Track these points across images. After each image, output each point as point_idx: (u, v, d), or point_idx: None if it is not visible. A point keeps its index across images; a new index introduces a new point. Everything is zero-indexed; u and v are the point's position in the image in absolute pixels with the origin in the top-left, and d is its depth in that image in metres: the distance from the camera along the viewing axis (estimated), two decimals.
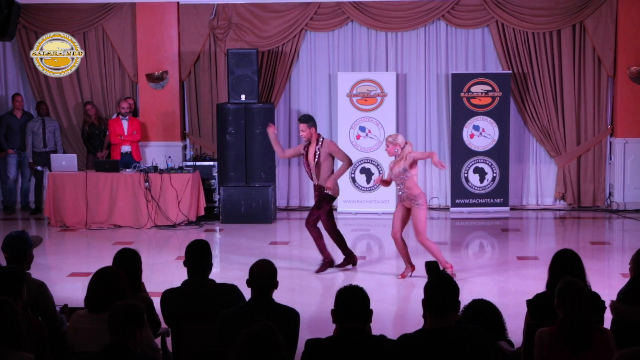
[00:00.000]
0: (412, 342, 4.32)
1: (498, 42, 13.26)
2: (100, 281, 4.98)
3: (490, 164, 13.25)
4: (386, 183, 9.16)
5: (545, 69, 13.22)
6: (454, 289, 4.41)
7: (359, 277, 9.20)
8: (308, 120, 9.45)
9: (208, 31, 13.53)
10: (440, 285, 4.41)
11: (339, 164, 9.34)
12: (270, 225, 12.49)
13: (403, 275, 9.21)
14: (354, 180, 13.18)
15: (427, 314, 4.40)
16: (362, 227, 12.49)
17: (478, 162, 13.26)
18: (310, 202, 13.69)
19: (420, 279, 9.33)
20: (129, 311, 4.28)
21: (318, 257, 9.74)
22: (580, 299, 4.54)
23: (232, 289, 5.59)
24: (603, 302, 5.42)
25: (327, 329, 4.83)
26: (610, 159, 13.43)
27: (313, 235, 9.51)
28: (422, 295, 8.65)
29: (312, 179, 9.51)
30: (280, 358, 3.72)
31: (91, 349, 4.58)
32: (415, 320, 7.76)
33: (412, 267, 9.23)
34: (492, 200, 13.30)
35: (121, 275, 5.06)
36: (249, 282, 5.09)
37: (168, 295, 5.62)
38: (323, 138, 9.47)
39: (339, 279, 9.30)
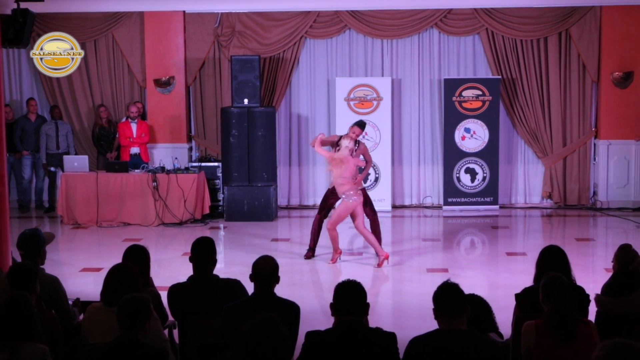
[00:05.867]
0: (423, 344, 4.20)
1: (488, 49, 13.26)
2: (115, 276, 4.99)
3: (480, 164, 13.25)
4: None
5: (532, 75, 13.23)
6: (456, 292, 4.25)
7: (356, 272, 9.19)
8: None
9: (213, 39, 13.52)
10: (442, 288, 4.29)
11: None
12: (272, 222, 12.48)
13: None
14: None
15: (437, 317, 4.27)
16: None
17: (469, 162, 13.26)
18: (310, 200, 13.71)
19: (414, 274, 9.34)
20: (135, 304, 4.28)
21: (318, 252, 9.80)
22: (564, 293, 4.54)
23: (235, 284, 5.59)
24: (588, 295, 5.42)
25: (326, 321, 4.83)
26: (595, 159, 13.43)
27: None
28: (416, 290, 8.69)
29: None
30: (283, 348, 3.69)
31: (105, 340, 4.58)
32: (409, 314, 7.78)
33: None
34: (482, 199, 13.30)
35: (136, 271, 5.07)
36: (252, 277, 5.09)
37: (175, 290, 5.62)
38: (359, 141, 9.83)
39: (337, 274, 9.30)
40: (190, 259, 5.65)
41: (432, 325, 4.28)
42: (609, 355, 3.25)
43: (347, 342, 4.26)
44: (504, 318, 5.65)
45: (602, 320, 5.48)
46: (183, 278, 5.73)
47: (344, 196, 9.34)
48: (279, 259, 5.37)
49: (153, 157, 13.36)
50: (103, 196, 12.26)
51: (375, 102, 13.22)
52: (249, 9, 13.40)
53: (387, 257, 9.49)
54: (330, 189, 9.84)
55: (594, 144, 13.43)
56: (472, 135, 13.22)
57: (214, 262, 5.66)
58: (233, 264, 9.60)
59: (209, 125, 13.77)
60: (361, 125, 9.71)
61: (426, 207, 13.64)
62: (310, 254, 9.92)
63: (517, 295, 5.47)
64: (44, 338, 4.55)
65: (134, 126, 13.10)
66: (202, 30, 13.54)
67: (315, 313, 7.44)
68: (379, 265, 9.45)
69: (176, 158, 12.86)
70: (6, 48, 8.69)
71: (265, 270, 5.06)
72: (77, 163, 12.52)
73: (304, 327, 4.79)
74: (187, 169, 12.58)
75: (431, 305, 4.26)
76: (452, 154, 13.27)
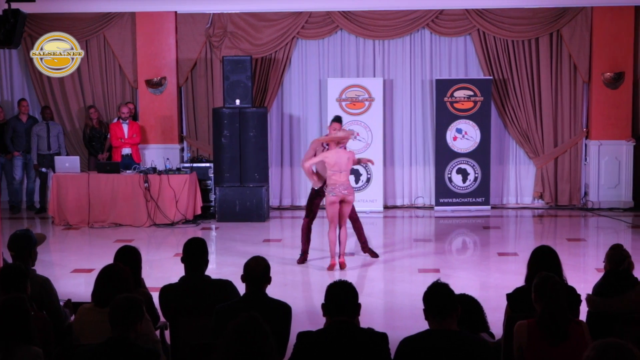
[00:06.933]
0: (414, 344, 4.20)
1: (480, 50, 13.28)
2: (107, 277, 4.98)
3: (472, 165, 13.27)
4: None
5: (524, 75, 13.25)
6: (446, 292, 4.25)
7: (348, 273, 9.20)
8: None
9: (204, 39, 13.51)
10: (433, 288, 4.30)
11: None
12: (264, 223, 12.47)
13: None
14: None
15: (428, 317, 4.27)
16: (350, 225, 12.43)
17: (461, 163, 13.28)
18: (302, 201, 13.69)
19: (406, 274, 9.34)
20: (128, 304, 4.27)
21: (310, 255, 9.81)
22: (556, 292, 4.55)
23: (227, 285, 5.58)
24: (579, 295, 5.43)
25: (318, 322, 4.83)
26: (586, 160, 13.46)
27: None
28: (407, 290, 8.67)
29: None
30: (267, 345, 3.68)
31: (96, 341, 4.56)
32: (401, 314, 7.78)
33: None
34: (474, 200, 13.32)
35: (127, 272, 5.06)
36: (243, 278, 5.09)
37: (166, 291, 5.61)
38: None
39: (329, 274, 9.29)
40: (182, 260, 5.64)
41: (424, 325, 4.28)
42: (600, 355, 3.25)
43: (339, 342, 4.26)
44: (495, 318, 5.65)
45: (593, 320, 5.48)
46: (175, 279, 5.72)
47: (332, 194, 9.20)
48: (271, 259, 5.37)
49: (144, 158, 13.33)
50: (94, 197, 12.23)
51: (367, 103, 13.23)
52: (240, 10, 13.39)
53: (334, 265, 9.40)
54: (315, 190, 9.74)
55: (585, 145, 13.46)
56: (464, 136, 13.23)
57: (205, 262, 5.65)
58: (225, 264, 9.59)
59: (201, 126, 13.75)
60: (339, 120, 9.62)
61: (418, 208, 13.65)
62: (303, 258, 9.84)
63: (508, 295, 5.47)
64: (35, 339, 4.54)
65: (125, 127, 13.07)
66: (193, 31, 13.52)
67: (307, 313, 7.43)
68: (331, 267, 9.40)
69: (168, 159, 12.84)
70: None
71: (257, 270, 5.05)
72: (68, 164, 12.49)
73: (296, 328, 4.78)
74: (178, 169, 12.56)
75: (423, 306, 4.26)
76: (443, 155, 13.28)
